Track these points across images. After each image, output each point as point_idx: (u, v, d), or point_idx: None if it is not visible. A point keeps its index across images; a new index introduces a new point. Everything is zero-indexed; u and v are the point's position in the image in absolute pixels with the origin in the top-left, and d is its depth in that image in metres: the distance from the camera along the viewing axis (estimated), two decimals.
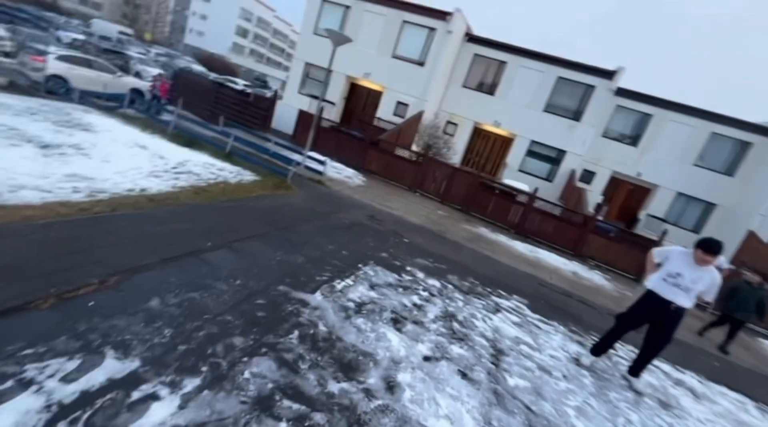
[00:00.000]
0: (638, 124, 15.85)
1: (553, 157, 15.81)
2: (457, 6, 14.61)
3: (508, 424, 2.62)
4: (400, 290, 4.18)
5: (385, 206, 8.31)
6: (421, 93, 15.40)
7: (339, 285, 3.79)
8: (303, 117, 12.99)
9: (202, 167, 6.43)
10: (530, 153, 16.09)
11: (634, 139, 15.93)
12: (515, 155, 16.21)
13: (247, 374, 2.28)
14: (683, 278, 3.49)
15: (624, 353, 4.55)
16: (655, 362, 4.66)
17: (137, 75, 16.91)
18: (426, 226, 7.80)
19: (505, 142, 16.87)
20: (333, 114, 16.24)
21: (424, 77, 15.34)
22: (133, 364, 2.11)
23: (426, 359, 3.04)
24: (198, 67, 28.88)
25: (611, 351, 4.44)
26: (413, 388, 2.63)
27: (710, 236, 3.63)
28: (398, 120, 15.14)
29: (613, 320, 4.08)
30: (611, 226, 10.67)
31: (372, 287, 4.01)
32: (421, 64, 15.40)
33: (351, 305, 3.49)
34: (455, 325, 3.81)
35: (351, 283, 3.93)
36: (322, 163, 8.77)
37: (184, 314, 2.65)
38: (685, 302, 3.51)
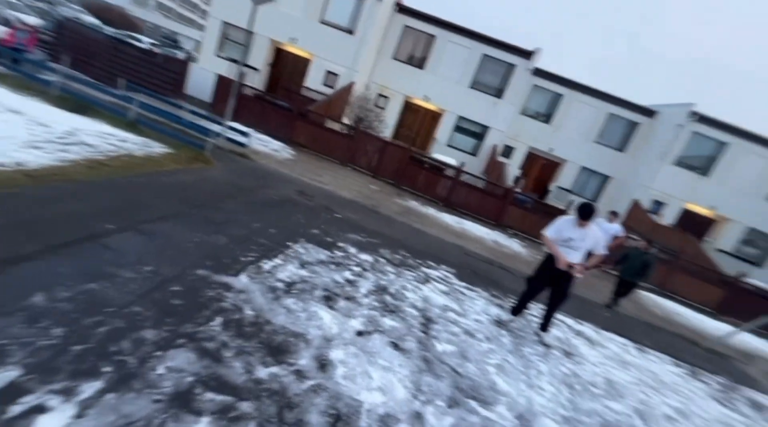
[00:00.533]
0: (551, 103, 17.23)
1: (478, 133, 16.61)
2: None
3: (437, 387, 2.76)
4: (332, 266, 4.12)
5: (316, 181, 8.05)
6: (352, 63, 14.91)
7: (267, 265, 3.60)
8: (222, 83, 11.84)
9: (99, 137, 5.55)
10: (458, 128, 16.69)
11: (547, 118, 17.33)
12: (444, 130, 16.70)
13: (161, 370, 2.06)
14: (573, 241, 4.06)
15: (537, 312, 5.06)
16: (561, 317, 5.29)
17: (6, 24, 13.86)
18: (358, 200, 7.76)
19: (435, 117, 17.25)
20: (257, 81, 15.06)
21: (354, 46, 14.82)
22: (10, 373, 1.77)
23: (359, 333, 3.06)
24: (90, 19, 24.54)
25: (526, 311, 4.92)
26: (346, 364, 2.63)
27: (592, 202, 4.16)
28: (328, 91, 14.59)
29: (523, 282, 4.54)
30: (527, 197, 11.66)
31: (303, 265, 3.89)
32: (350, 32, 14.81)
33: (280, 285, 3.34)
34: (387, 298, 3.88)
35: (280, 262, 3.76)
36: (245, 134, 8.12)
37: (79, 309, 2.30)
38: (577, 258, 4.09)
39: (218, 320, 2.62)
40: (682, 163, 15.54)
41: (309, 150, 11.32)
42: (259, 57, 15.26)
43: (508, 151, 17.59)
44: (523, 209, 10.99)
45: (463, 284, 5.17)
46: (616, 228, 7.98)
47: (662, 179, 15.56)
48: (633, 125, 16.87)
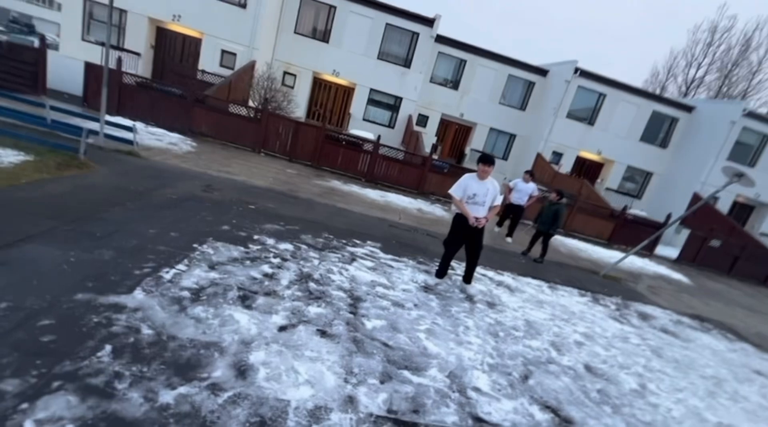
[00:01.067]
0: (456, 69, 17.83)
1: (392, 105, 16.67)
2: None
3: (368, 366, 2.74)
4: (248, 262, 3.83)
5: (224, 172, 7.42)
6: (249, 40, 13.77)
7: (167, 274, 3.20)
8: (92, 72, 10.15)
9: None
10: (371, 101, 16.56)
11: (455, 84, 17.94)
12: (358, 105, 16.45)
13: (28, 425, 1.71)
14: (478, 196, 4.34)
15: (460, 270, 5.31)
16: (483, 271, 5.64)
17: None
18: (274, 187, 7.34)
19: (347, 92, 16.88)
20: (140, 67, 13.22)
21: (249, 21, 13.65)
22: None
23: (282, 329, 2.89)
24: None
25: (450, 271, 5.15)
26: (268, 365, 2.46)
27: (490, 153, 4.47)
28: (227, 72, 13.36)
29: (443, 246, 4.73)
30: (444, 163, 12.12)
31: (212, 266, 3.54)
32: (242, 5, 13.57)
33: (186, 294, 3.00)
34: (311, 285, 3.73)
35: (184, 268, 3.37)
36: (130, 129, 7.10)
37: None
38: (482, 212, 4.40)
39: (107, 348, 2.26)
40: (572, 115, 17.34)
41: (213, 139, 10.36)
42: (139, 39, 13.35)
43: (422, 120, 17.99)
44: (442, 175, 11.41)
45: (390, 256, 5.21)
46: (531, 187, 8.42)
47: (558, 132, 17.26)
48: (529, 85, 18.25)
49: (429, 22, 15.71)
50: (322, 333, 2.98)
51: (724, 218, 15.52)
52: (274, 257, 4.12)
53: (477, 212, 4.38)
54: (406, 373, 2.79)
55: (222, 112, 10.58)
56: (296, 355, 2.62)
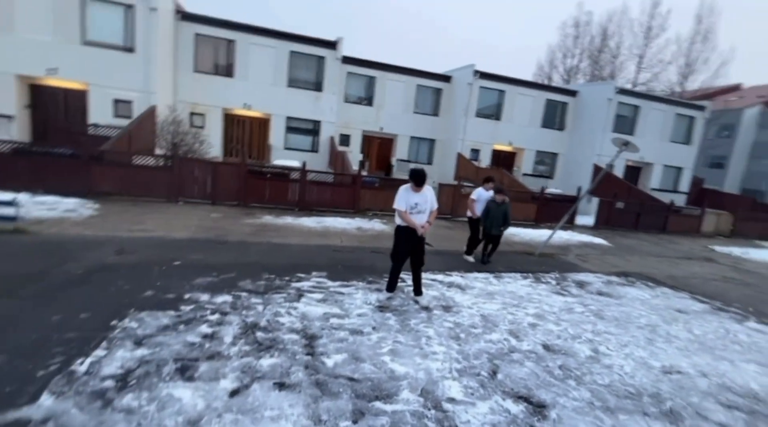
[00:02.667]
0: (368, 86, 18.35)
1: (312, 130, 16.58)
2: None
3: (337, 408, 2.55)
4: (181, 327, 3.42)
5: (138, 231, 6.68)
6: (144, 85, 12.84)
7: (82, 366, 2.72)
8: None
9: None
10: (290, 129, 16.31)
11: (369, 100, 18.43)
12: (277, 135, 16.11)
13: None
14: (420, 204, 4.47)
15: (410, 281, 5.31)
16: (432, 276, 5.70)
17: None
18: (199, 236, 6.78)
19: (263, 124, 16.45)
20: (14, 131, 11.58)
21: (140, 66, 12.75)
22: None
23: (233, 394, 2.59)
24: None
25: (402, 284, 5.13)
26: None
27: (421, 168, 4.58)
28: (124, 122, 12.24)
29: (389, 259, 4.72)
30: (374, 178, 12.26)
31: (138, 342, 3.09)
32: (129, 49, 12.66)
33: (109, 384, 2.56)
34: (259, 334, 3.44)
35: (103, 353, 2.90)
36: (10, 204, 6.10)
37: None
38: (424, 219, 4.55)
39: None
40: (480, 113, 18.73)
41: (119, 197, 9.35)
42: (8, 99, 11.72)
43: (345, 139, 18.14)
44: (374, 189, 11.52)
45: (338, 283, 5.04)
46: (491, 193, 7.77)
47: (471, 131, 18.50)
48: (437, 91, 19.39)
49: (332, 45, 16.02)
50: (280, 386, 2.72)
51: (621, 182, 17.74)
52: (212, 314, 3.73)
53: (420, 220, 4.51)
54: (378, 404, 2.65)
55: (126, 166, 9.62)
56: (255, 419, 2.35)
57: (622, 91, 19.10)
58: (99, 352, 2.91)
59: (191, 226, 7.50)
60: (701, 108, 20.78)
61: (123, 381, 2.60)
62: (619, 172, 19.63)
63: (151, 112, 12.51)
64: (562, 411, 2.80)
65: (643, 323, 4.89)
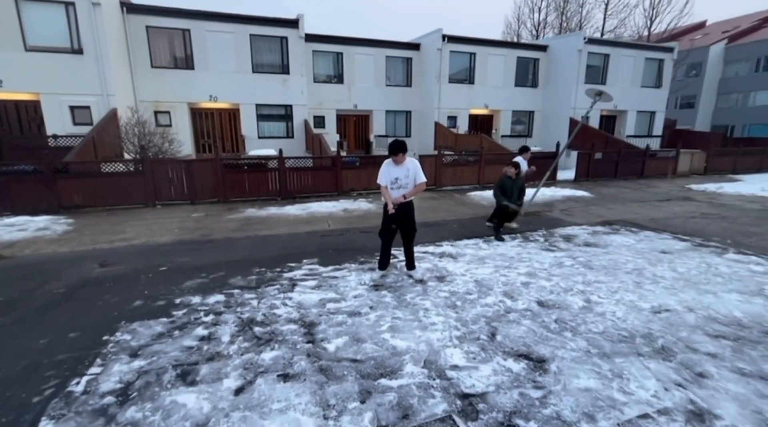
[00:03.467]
0: (336, 63, 17.78)
1: (284, 115, 16.11)
2: None
3: (344, 391, 2.58)
4: (176, 333, 3.36)
5: (119, 241, 6.48)
6: (100, 88, 12.20)
7: (79, 386, 2.66)
8: None
9: None
10: (261, 117, 15.82)
11: (339, 78, 17.91)
12: (248, 124, 15.61)
13: None
14: (400, 179, 4.43)
15: (402, 256, 5.33)
16: (423, 248, 5.73)
17: None
18: (184, 238, 6.62)
19: (233, 115, 15.91)
20: None
21: (93, 68, 12.06)
22: None
23: (238, 391, 2.58)
24: None
25: (394, 260, 5.14)
26: None
27: (400, 139, 4.50)
28: (86, 129, 11.66)
29: (378, 237, 4.71)
30: (354, 157, 12.08)
31: (134, 354, 3.04)
32: (77, 51, 11.90)
33: (110, 399, 2.52)
34: (257, 329, 3.41)
35: (98, 370, 2.83)
36: None
37: None
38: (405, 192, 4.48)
39: None
40: (453, 79, 18.44)
41: (93, 208, 9.01)
42: None
43: (320, 121, 17.72)
44: (356, 169, 11.36)
45: (330, 267, 5.02)
46: (524, 165, 7.65)
47: (446, 98, 18.25)
48: (407, 61, 18.94)
49: (293, 23, 15.33)
50: (285, 377, 2.73)
51: (598, 133, 17.93)
52: (206, 315, 3.68)
53: (400, 194, 4.47)
54: (383, 381, 2.68)
55: (94, 176, 9.21)
56: (263, 414, 2.36)
57: (591, 41, 18.98)
58: (94, 369, 2.85)
59: (173, 229, 7.31)
60: (669, 50, 20.88)
61: (123, 395, 2.56)
62: (594, 122, 19.81)
63: (112, 116, 11.90)
64: (561, 363, 2.89)
65: (630, 268, 5.04)
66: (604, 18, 27.70)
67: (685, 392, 2.55)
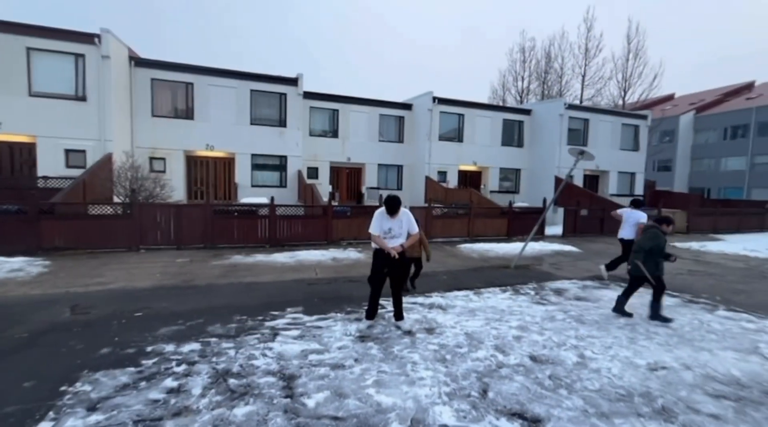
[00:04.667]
0: (331, 119, 18.63)
1: (278, 165, 16.46)
2: (105, 27, 12.33)
3: None
4: (143, 384, 3.09)
5: (95, 284, 6.20)
6: (99, 133, 12.45)
7: None
8: None
9: None
10: (256, 166, 16.12)
11: (334, 132, 18.65)
12: (242, 173, 15.85)
13: None
14: (393, 230, 4.45)
15: (391, 307, 5.16)
16: (412, 299, 5.58)
17: None
18: (165, 284, 6.37)
19: (228, 163, 16.20)
20: None
21: (93, 115, 12.40)
22: None
23: None
24: None
25: (382, 310, 4.96)
26: None
27: (394, 194, 4.55)
28: (78, 172, 11.70)
29: (368, 284, 4.58)
30: (345, 207, 12.18)
31: (92, 408, 2.75)
32: (81, 98, 12.32)
33: None
34: (232, 382, 3.16)
35: (49, 425, 2.54)
36: None
37: None
38: (399, 242, 4.48)
39: None
40: (443, 137, 19.34)
41: (74, 251, 8.73)
42: None
43: (313, 172, 18.10)
44: (347, 219, 11.40)
45: (315, 317, 4.82)
46: (641, 215, 7.26)
47: (436, 154, 18.99)
48: (400, 119, 19.95)
49: (293, 81, 16.27)
50: None
51: (582, 191, 18.57)
52: (178, 365, 3.42)
53: (394, 244, 4.46)
54: None
55: (80, 218, 9.05)
56: None
57: (571, 107, 20.39)
58: (44, 424, 2.56)
59: (155, 274, 7.05)
60: (644, 117, 22.47)
61: None
62: (578, 181, 20.59)
63: (106, 160, 12.03)
64: (557, 423, 2.69)
65: (622, 323, 4.94)
66: (582, 87, 30.05)
67: None
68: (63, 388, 3.02)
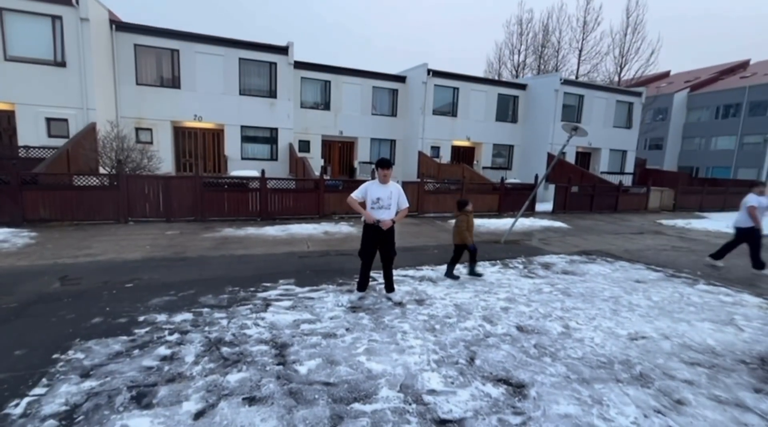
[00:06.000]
0: (323, 90, 18.15)
1: (269, 137, 16.14)
2: None
3: (314, 416, 2.41)
4: (136, 352, 3.12)
5: (84, 256, 6.15)
6: (81, 101, 11.99)
7: (17, 408, 2.39)
8: None
9: None
10: (246, 138, 15.79)
11: (326, 105, 18.22)
12: (232, 145, 15.53)
13: None
14: (382, 199, 4.35)
15: (382, 279, 5.23)
16: (403, 272, 5.65)
17: None
18: (155, 255, 6.34)
19: (217, 135, 15.83)
20: None
21: (75, 81, 11.90)
22: None
23: (198, 415, 2.37)
24: None
25: (373, 282, 5.03)
26: None
27: (387, 158, 4.50)
28: (61, 142, 11.35)
29: (359, 258, 4.60)
30: (338, 181, 12.10)
31: (86, 374, 2.78)
32: (60, 64, 11.77)
33: (52, 423, 2.26)
34: (225, 350, 3.21)
35: (42, 391, 2.57)
36: None
37: None
38: (389, 215, 4.40)
39: None
40: (437, 111, 19.06)
41: (60, 223, 8.60)
42: None
43: (305, 145, 17.81)
44: (338, 192, 11.35)
45: (307, 288, 4.86)
46: (762, 201, 6.68)
47: (429, 129, 18.76)
48: (393, 92, 19.53)
49: (283, 50, 15.70)
50: (251, 400, 2.54)
51: (574, 167, 18.65)
52: (170, 334, 3.45)
53: (383, 216, 4.38)
54: (356, 406, 2.53)
55: (65, 188, 8.85)
56: None
57: (567, 82, 20.13)
58: (38, 390, 2.58)
59: (145, 246, 7.00)
60: (638, 94, 22.33)
61: (68, 419, 2.31)
62: (570, 158, 20.65)
63: (90, 130, 11.65)
64: (541, 388, 2.81)
65: (606, 295, 5.09)
66: (578, 63, 29.60)
67: (664, 419, 2.50)
68: (55, 356, 3.04)
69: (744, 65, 39.03)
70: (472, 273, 5.73)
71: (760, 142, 29.27)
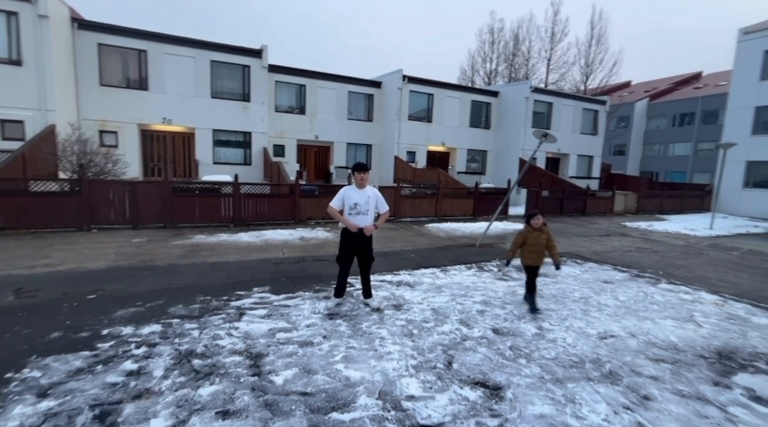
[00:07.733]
0: (298, 94, 17.97)
1: (242, 142, 15.79)
2: None
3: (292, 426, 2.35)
4: (99, 367, 2.95)
5: (41, 266, 5.78)
6: (38, 102, 11.35)
7: None
8: None
9: None
10: (218, 142, 15.38)
11: (301, 109, 18.04)
12: (203, 149, 15.08)
13: None
14: (360, 205, 4.30)
15: (359, 285, 5.19)
16: (380, 277, 5.64)
17: None
18: (120, 264, 6.04)
19: (187, 139, 15.33)
20: None
21: (32, 81, 11.25)
22: None
23: None
24: None
25: (350, 288, 4.99)
26: None
27: (364, 162, 4.47)
28: (17, 145, 10.65)
29: (336, 264, 4.54)
30: (314, 186, 11.98)
31: (43, 394, 2.60)
32: (16, 63, 11.11)
33: None
34: (196, 362, 3.09)
35: None
36: None
37: None
38: (367, 221, 4.35)
39: None
40: (413, 117, 19.25)
41: (14, 231, 8.06)
42: None
43: (279, 150, 17.53)
44: (314, 198, 11.22)
45: (283, 296, 4.77)
46: None
47: (405, 134, 18.92)
48: (369, 97, 19.58)
49: (257, 53, 15.44)
50: (224, 414, 2.45)
51: (545, 172, 19.27)
52: (137, 348, 3.29)
53: (361, 222, 4.31)
54: (334, 415, 2.49)
55: (21, 195, 8.30)
56: None
57: (537, 90, 20.85)
58: None
59: (109, 254, 6.66)
60: (602, 102, 23.42)
61: None
62: (541, 164, 21.34)
63: (49, 132, 11.01)
64: (516, 390, 2.86)
65: (577, 296, 5.27)
66: (547, 71, 30.77)
67: (633, 415, 2.60)
68: (8, 375, 2.83)
69: (697, 77, 41.73)
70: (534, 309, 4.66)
71: (712, 148, 31.29)
